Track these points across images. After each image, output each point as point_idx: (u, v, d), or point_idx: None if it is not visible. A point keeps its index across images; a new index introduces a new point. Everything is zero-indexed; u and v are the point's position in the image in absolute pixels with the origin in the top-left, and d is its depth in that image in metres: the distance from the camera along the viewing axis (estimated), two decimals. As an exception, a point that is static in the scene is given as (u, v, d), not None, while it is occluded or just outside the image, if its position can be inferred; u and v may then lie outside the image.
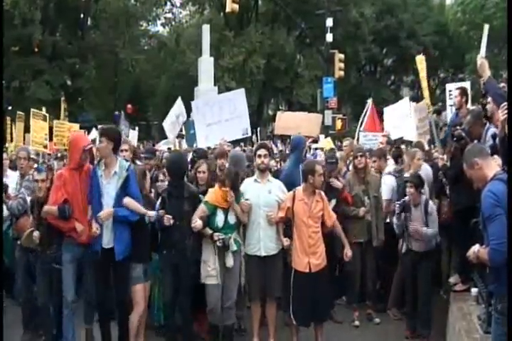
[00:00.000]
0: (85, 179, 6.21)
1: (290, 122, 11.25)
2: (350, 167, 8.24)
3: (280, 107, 39.04)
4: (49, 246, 6.32)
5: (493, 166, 4.26)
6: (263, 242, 6.55)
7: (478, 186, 4.39)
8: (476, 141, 6.36)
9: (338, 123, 25.40)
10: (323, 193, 6.66)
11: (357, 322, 7.41)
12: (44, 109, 13.89)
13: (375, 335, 7.16)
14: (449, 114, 9.59)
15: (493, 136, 5.96)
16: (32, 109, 12.97)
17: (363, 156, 7.75)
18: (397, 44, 38.75)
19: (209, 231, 6.25)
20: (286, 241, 6.48)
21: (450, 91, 9.77)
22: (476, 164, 4.30)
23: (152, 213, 6.17)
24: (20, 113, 13.90)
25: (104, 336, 6.30)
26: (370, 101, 13.32)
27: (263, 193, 6.64)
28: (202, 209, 6.30)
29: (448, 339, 6.32)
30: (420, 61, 9.58)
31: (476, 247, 4.26)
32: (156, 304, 6.97)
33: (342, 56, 26.81)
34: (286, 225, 6.66)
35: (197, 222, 6.15)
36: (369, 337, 7.11)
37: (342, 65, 26.64)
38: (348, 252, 6.62)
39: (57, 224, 6.14)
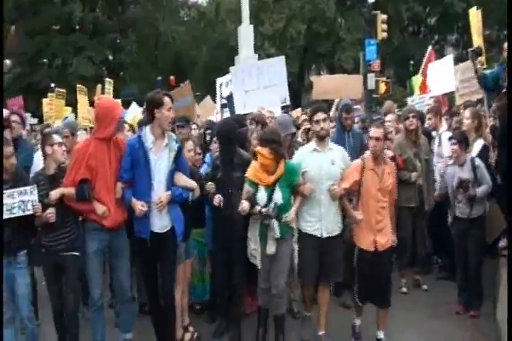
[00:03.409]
0: (115, 152, 5.40)
1: (328, 86, 10.83)
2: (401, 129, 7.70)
3: (321, 73, 38.47)
4: (61, 228, 5.36)
5: None
6: (324, 221, 5.75)
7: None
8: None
9: (382, 87, 24.78)
10: (393, 164, 5.94)
11: (405, 289, 7.22)
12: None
13: (423, 302, 6.99)
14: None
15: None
16: (78, 85, 12.97)
17: (415, 117, 7.26)
18: (441, 1, 37.51)
19: (257, 208, 5.55)
20: (359, 215, 5.69)
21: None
22: None
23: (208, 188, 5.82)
24: (60, 90, 13.86)
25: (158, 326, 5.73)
26: (430, 48, 12.81)
27: (326, 164, 5.74)
28: (246, 189, 5.72)
29: (498, 305, 6.13)
30: (473, 15, 8.98)
31: None
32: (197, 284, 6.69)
33: (385, 17, 26.11)
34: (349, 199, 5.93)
35: (243, 204, 5.50)
36: (418, 304, 6.92)
37: (385, 26, 25.97)
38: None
39: (73, 206, 5.37)
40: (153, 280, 5.61)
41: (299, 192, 5.71)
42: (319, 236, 5.74)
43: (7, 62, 31.49)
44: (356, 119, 9.45)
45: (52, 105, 13.50)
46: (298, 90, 27.94)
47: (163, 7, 37.46)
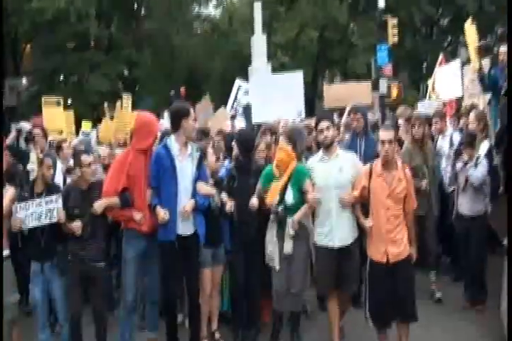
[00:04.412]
0: (148, 163, 5.81)
1: (339, 94, 11.17)
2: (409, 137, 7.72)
3: (335, 79, 38.60)
4: (91, 238, 5.72)
5: None
6: (336, 231, 5.75)
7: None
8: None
9: (394, 91, 24.86)
10: (408, 170, 5.72)
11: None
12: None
13: (431, 299, 7.25)
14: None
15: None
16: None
17: (421, 126, 7.29)
18: (453, 2, 37.34)
19: (272, 209, 5.81)
20: (368, 223, 5.59)
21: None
22: None
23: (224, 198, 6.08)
24: (48, 98, 13.43)
25: (171, 331, 6.00)
26: (441, 56, 12.96)
27: (333, 172, 5.78)
28: (258, 186, 6.06)
29: (502, 300, 6.30)
30: (468, 28, 9.23)
31: None
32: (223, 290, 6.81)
33: (395, 21, 26.22)
34: (362, 206, 5.82)
35: (252, 201, 5.89)
36: (426, 300, 7.07)
37: (396, 30, 26.08)
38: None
39: (113, 213, 5.84)
40: (174, 283, 5.95)
41: (307, 200, 5.83)
42: (332, 246, 5.78)
43: (23, 80, 32.04)
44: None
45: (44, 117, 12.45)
46: (312, 98, 28.09)
47: (176, 21, 37.77)
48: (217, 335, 6.53)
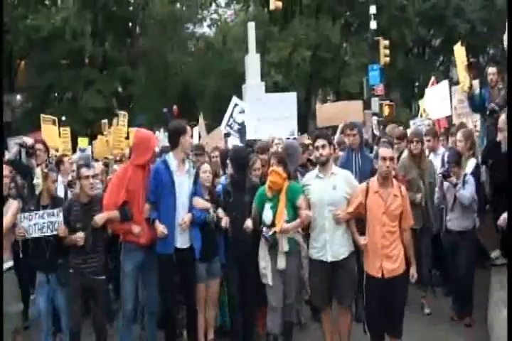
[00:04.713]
0: (147, 178, 5.99)
1: (331, 113, 11.46)
2: (406, 151, 7.88)
3: (328, 98, 38.97)
4: (92, 252, 5.86)
5: None
6: (330, 246, 5.81)
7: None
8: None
9: (386, 110, 25.20)
10: (403, 188, 5.78)
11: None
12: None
13: (420, 312, 7.32)
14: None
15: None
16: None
17: (419, 142, 7.44)
18: (444, 23, 37.90)
19: (264, 230, 5.89)
20: (363, 240, 5.66)
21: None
22: None
23: (221, 213, 6.21)
24: (46, 116, 13.51)
25: None
26: (432, 78, 13.26)
27: (328, 190, 5.84)
28: (253, 207, 6.16)
29: (488, 312, 6.46)
30: (457, 50, 9.47)
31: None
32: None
33: (387, 42, 26.66)
34: (358, 222, 5.87)
35: (247, 223, 6.04)
36: (415, 314, 7.12)
37: (387, 51, 26.51)
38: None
39: (113, 227, 6.02)
40: (172, 295, 6.10)
41: (300, 215, 5.95)
42: (325, 260, 5.83)
43: (18, 97, 32.21)
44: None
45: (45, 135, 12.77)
46: (305, 116, 28.34)
47: (171, 39, 38.11)
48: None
